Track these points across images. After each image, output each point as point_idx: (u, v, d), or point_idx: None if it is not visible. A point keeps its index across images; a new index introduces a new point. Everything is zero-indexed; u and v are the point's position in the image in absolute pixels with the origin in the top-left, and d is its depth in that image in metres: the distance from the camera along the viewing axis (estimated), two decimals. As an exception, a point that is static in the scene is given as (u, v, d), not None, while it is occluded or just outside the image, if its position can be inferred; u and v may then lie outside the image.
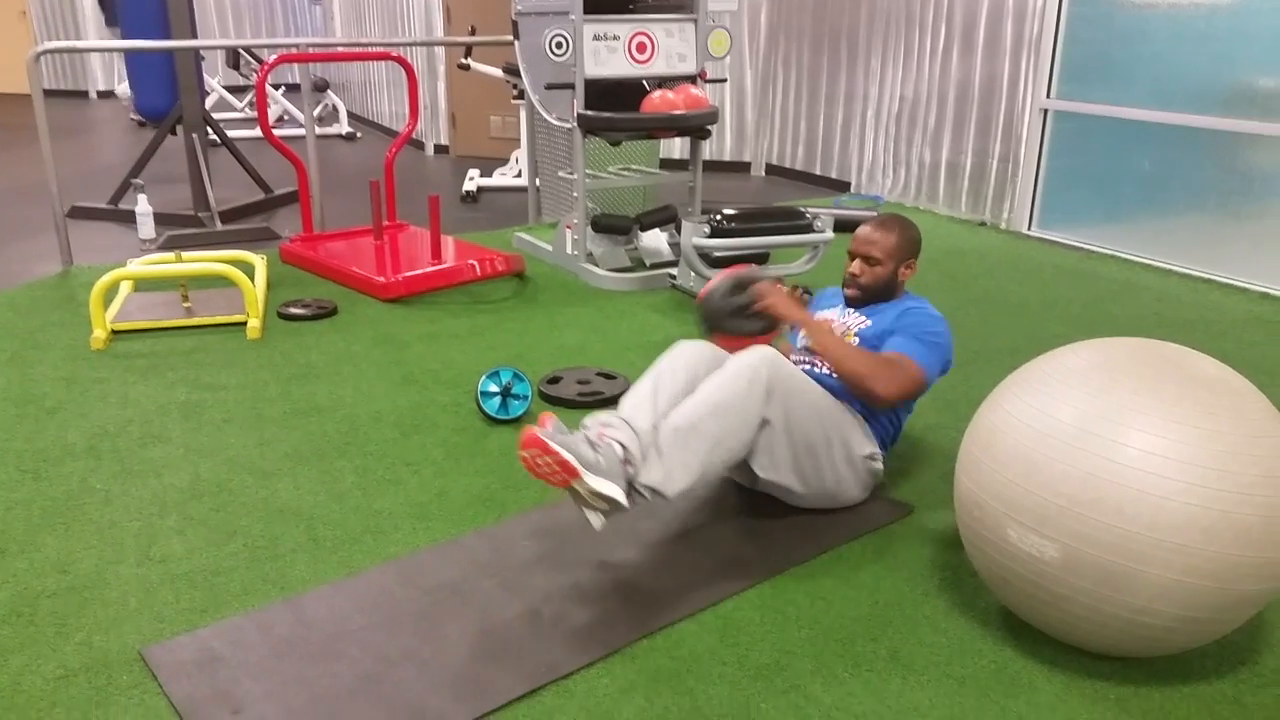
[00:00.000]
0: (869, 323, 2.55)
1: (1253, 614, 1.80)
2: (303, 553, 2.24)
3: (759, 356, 2.23)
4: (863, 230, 2.60)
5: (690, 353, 2.33)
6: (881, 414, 2.50)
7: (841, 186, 6.83)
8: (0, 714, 1.73)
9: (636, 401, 2.20)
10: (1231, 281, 4.67)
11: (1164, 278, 4.78)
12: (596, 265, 4.51)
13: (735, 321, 2.48)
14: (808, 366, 2.53)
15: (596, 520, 2.01)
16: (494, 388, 2.93)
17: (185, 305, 3.84)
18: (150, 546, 2.25)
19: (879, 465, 2.47)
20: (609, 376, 3.25)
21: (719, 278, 2.55)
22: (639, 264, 4.68)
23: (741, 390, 2.17)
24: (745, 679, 1.85)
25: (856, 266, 2.57)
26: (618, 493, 1.97)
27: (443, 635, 1.95)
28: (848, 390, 2.41)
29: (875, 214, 5.52)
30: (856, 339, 2.52)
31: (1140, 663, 1.92)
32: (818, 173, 7.06)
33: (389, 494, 2.51)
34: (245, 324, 3.70)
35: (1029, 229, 5.65)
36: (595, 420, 2.12)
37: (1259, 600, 1.76)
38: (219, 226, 5.21)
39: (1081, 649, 1.93)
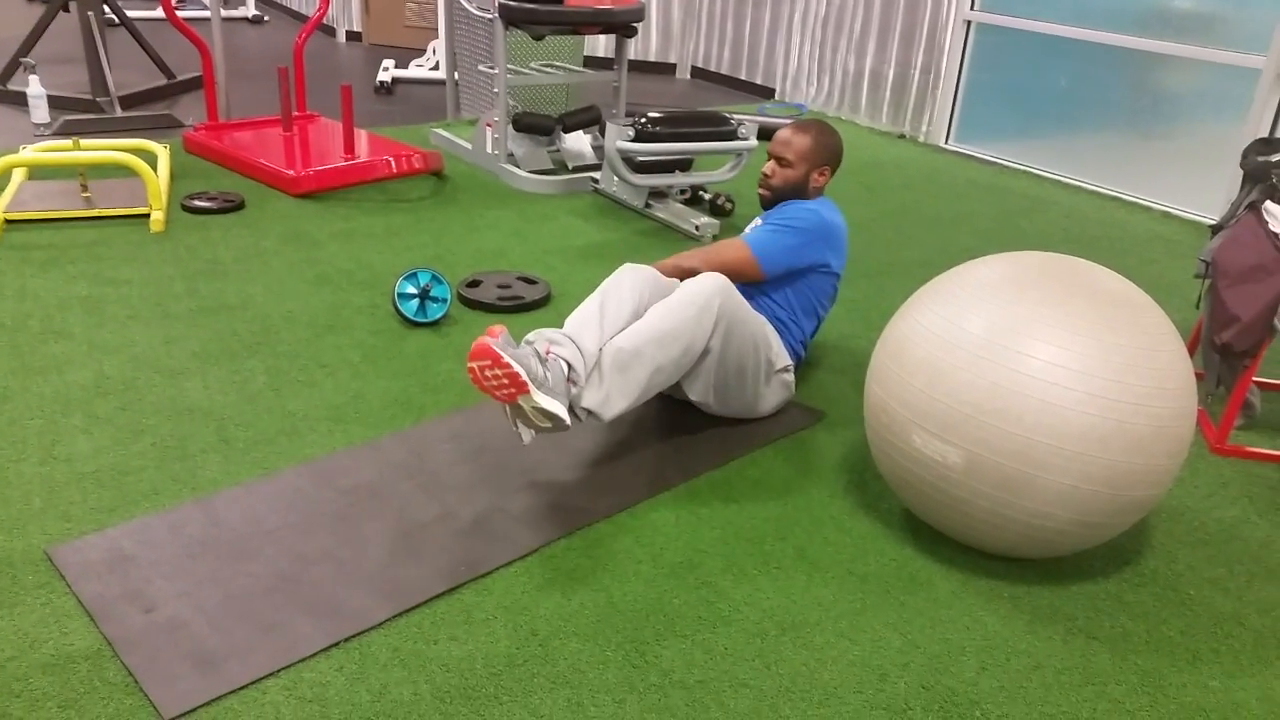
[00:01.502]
0: (759, 221, 2.57)
1: (1139, 519, 1.91)
2: (214, 453, 2.20)
3: (713, 285, 2.21)
4: (780, 132, 2.61)
5: (635, 277, 2.32)
6: (788, 327, 2.54)
7: (766, 93, 6.78)
8: (-101, 614, 1.69)
9: (583, 320, 2.17)
10: (1137, 200, 4.82)
11: (1074, 194, 4.90)
12: (518, 166, 4.43)
13: None
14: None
15: (526, 435, 2.02)
16: (412, 289, 2.89)
17: (84, 195, 3.66)
18: (54, 445, 2.18)
19: (791, 378, 2.52)
20: (530, 281, 3.22)
21: None
22: (561, 166, 4.61)
23: (690, 319, 2.17)
24: (659, 576, 1.90)
25: (769, 167, 2.59)
26: (563, 411, 1.96)
27: (361, 536, 1.95)
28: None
29: (798, 122, 5.51)
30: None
31: (1033, 563, 2.03)
32: (743, 77, 6.99)
33: (303, 395, 2.47)
34: (148, 216, 3.55)
35: (946, 142, 5.71)
36: (541, 336, 2.10)
37: (1146, 505, 1.87)
38: (118, 113, 4.94)
39: (979, 550, 2.03)
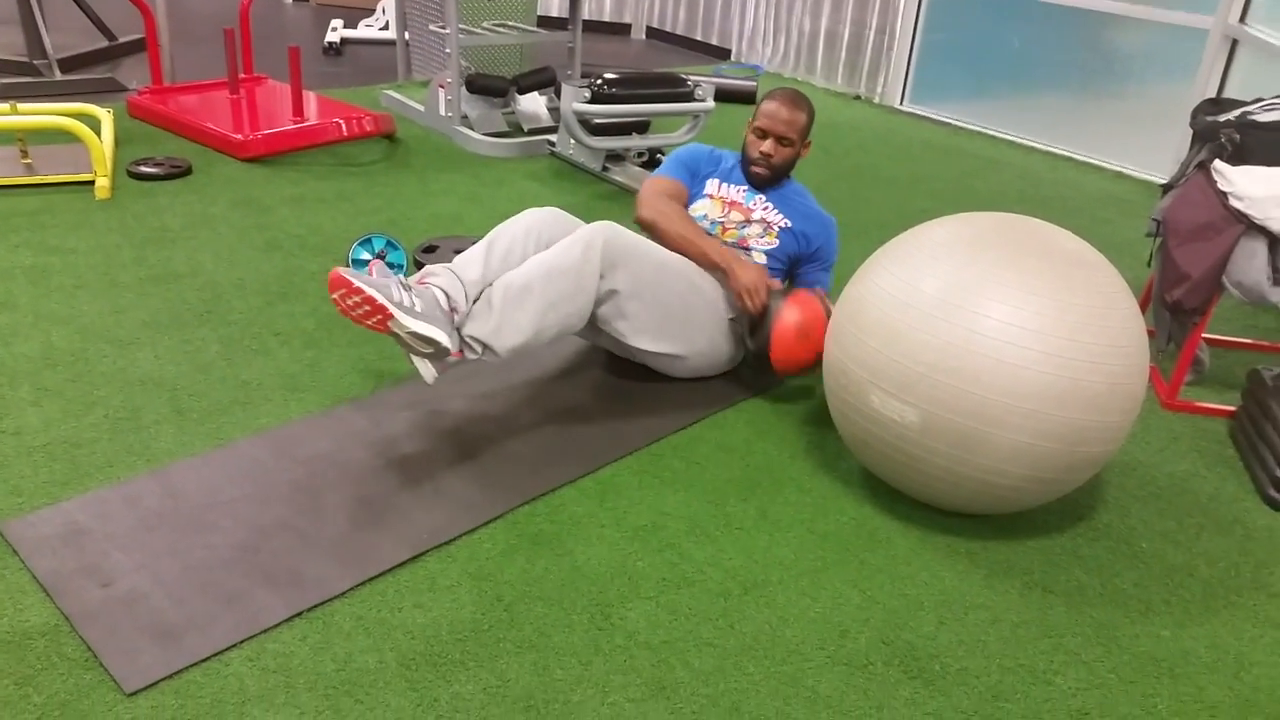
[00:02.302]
0: (786, 221, 2.56)
1: (1093, 474, 1.95)
2: (167, 424, 2.16)
3: (597, 226, 2.23)
4: (773, 108, 2.52)
5: (534, 219, 2.31)
6: None
7: (722, 54, 6.74)
8: None
9: (468, 257, 2.20)
10: (1089, 160, 4.87)
11: (1027, 155, 4.94)
12: (471, 129, 4.37)
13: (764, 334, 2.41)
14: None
15: (426, 371, 2.03)
16: (366, 255, 2.85)
17: (25, 162, 3.55)
18: (2, 419, 2.13)
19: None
20: (486, 244, 3.19)
21: (806, 355, 2.37)
22: (516, 129, 4.55)
23: (576, 257, 2.17)
24: (623, 539, 1.91)
25: (769, 146, 2.53)
26: (439, 334, 1.98)
27: (320, 505, 1.93)
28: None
29: (755, 84, 5.49)
30: (778, 240, 2.55)
31: (990, 519, 2.06)
32: (699, 38, 6.93)
33: (257, 364, 2.43)
34: (93, 183, 3.46)
35: (901, 103, 5.73)
36: (421, 271, 2.13)
37: (1099, 461, 1.91)
38: (58, 76, 4.79)
39: (936, 507, 2.06)
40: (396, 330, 1.97)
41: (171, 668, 1.54)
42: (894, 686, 1.61)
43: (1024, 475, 1.86)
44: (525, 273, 2.15)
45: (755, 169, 2.57)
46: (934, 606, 1.80)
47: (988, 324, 1.80)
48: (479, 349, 2.09)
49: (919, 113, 5.61)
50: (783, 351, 2.35)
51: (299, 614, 1.67)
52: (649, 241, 2.33)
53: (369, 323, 1.96)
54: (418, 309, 1.98)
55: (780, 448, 2.26)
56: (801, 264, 2.62)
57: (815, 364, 2.38)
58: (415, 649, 1.62)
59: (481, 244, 2.23)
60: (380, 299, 1.93)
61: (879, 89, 5.78)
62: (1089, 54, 4.86)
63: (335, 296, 1.96)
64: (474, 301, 2.12)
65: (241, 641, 1.60)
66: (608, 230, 2.22)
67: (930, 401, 1.85)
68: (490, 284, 2.15)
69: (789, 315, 2.35)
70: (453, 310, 2.05)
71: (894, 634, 1.72)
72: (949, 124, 5.42)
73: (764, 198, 2.59)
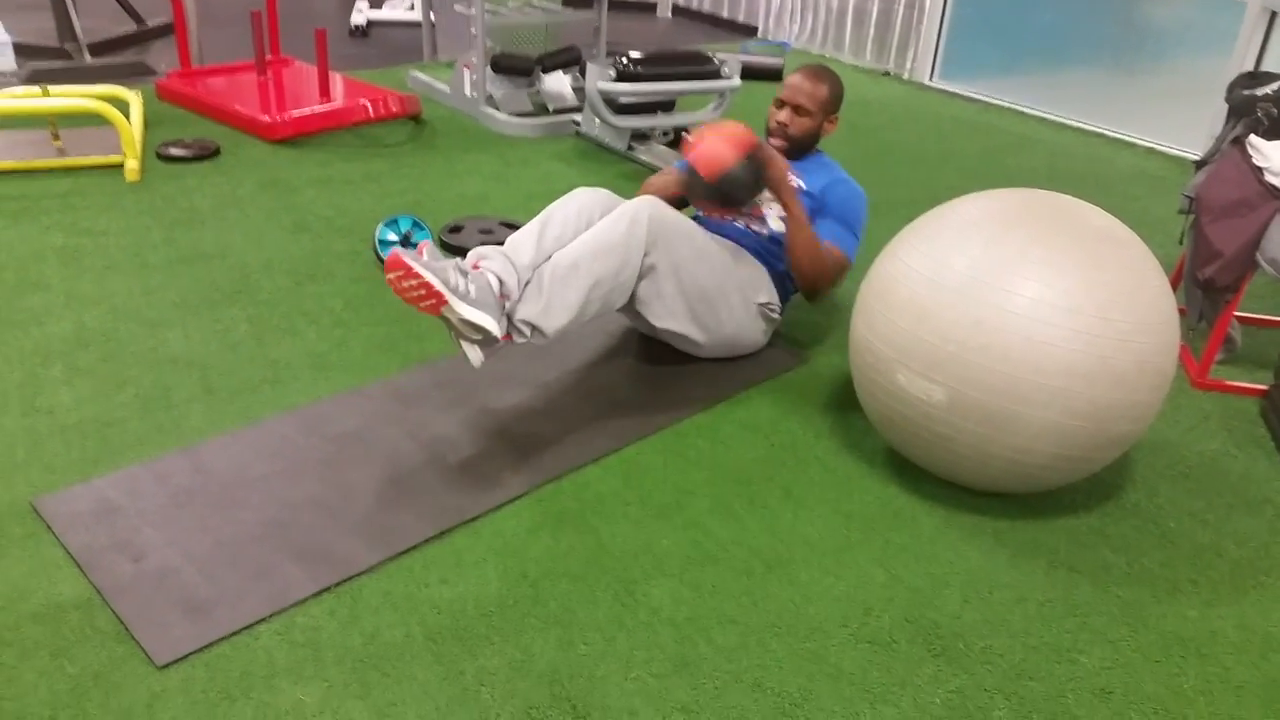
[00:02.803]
0: (802, 184, 2.54)
1: (1121, 453, 1.93)
2: (198, 403, 2.19)
3: (640, 202, 2.22)
4: (794, 79, 2.54)
5: (586, 199, 2.29)
6: (775, 272, 2.53)
7: (749, 31, 6.69)
8: (-114, 567, 1.68)
9: (520, 239, 2.17)
10: (1121, 136, 4.80)
11: (1058, 131, 4.87)
12: (497, 109, 4.37)
13: (743, 194, 2.35)
14: (732, 220, 2.53)
15: (474, 355, 2.01)
16: (392, 236, 2.86)
17: (56, 145, 3.59)
18: (36, 397, 2.17)
19: (776, 315, 2.52)
20: (513, 226, 3.19)
21: (723, 146, 2.29)
22: (541, 108, 4.55)
23: (622, 232, 2.16)
24: (647, 518, 1.92)
25: (785, 115, 2.53)
26: (489, 322, 1.96)
27: (348, 482, 1.95)
28: (793, 270, 2.47)
29: (782, 61, 5.45)
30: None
31: (1016, 499, 2.05)
32: (725, 15, 6.88)
33: (286, 344, 2.45)
34: (122, 165, 3.49)
35: (930, 80, 5.66)
36: (475, 253, 2.10)
37: (1127, 440, 1.89)
38: (88, 60, 4.83)
39: (962, 486, 2.05)
40: (449, 315, 1.95)
41: (201, 641, 1.56)
42: (917, 664, 1.61)
43: (1052, 454, 1.85)
44: (572, 251, 2.13)
45: (773, 139, 2.57)
46: (959, 585, 1.79)
47: (1017, 301, 1.79)
48: (528, 332, 2.07)
49: (948, 89, 5.55)
50: (699, 157, 2.31)
51: (327, 589, 1.69)
52: (690, 222, 2.32)
53: (422, 305, 1.93)
54: (472, 295, 1.95)
55: (805, 427, 2.25)
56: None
57: (730, 146, 2.30)
58: (441, 624, 1.63)
59: (534, 225, 2.20)
60: (438, 284, 1.90)
61: (908, 65, 5.71)
62: (1121, 28, 4.78)
63: (392, 277, 1.93)
64: (525, 285, 2.09)
65: (270, 616, 1.62)
66: (652, 206, 2.22)
67: (958, 380, 1.83)
68: (541, 264, 2.13)
69: (699, 136, 2.35)
70: (504, 297, 2.03)
71: (918, 612, 1.72)
72: (979, 100, 5.36)
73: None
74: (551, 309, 2.07)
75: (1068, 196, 1.97)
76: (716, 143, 2.30)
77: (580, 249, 2.14)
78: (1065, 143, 4.68)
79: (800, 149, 2.58)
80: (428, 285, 1.90)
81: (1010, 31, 5.26)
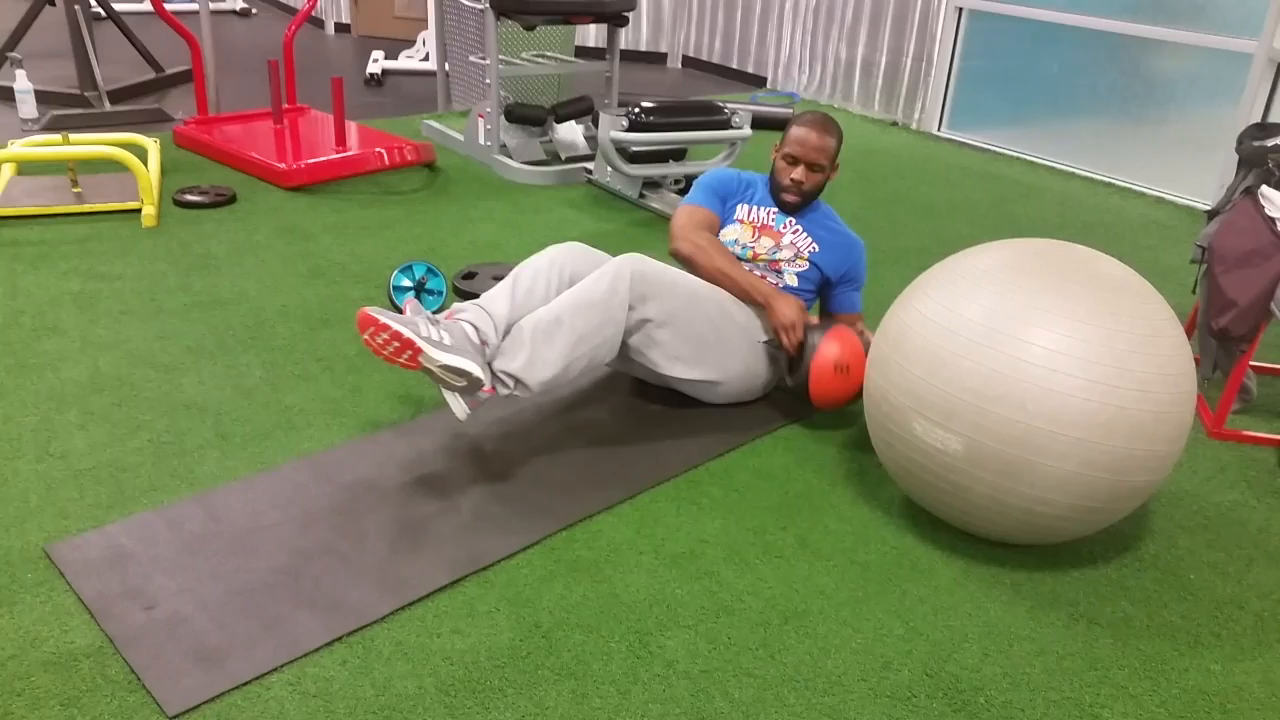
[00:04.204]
0: (816, 245, 2.56)
1: (1139, 504, 1.91)
2: (211, 448, 2.19)
3: (624, 259, 2.23)
4: (804, 134, 2.52)
5: (558, 253, 2.33)
6: None
7: (758, 81, 6.77)
8: (-103, 614, 1.67)
9: (494, 293, 2.22)
10: (1130, 186, 4.83)
11: (1066, 180, 4.90)
12: (510, 157, 4.41)
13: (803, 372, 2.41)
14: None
15: (458, 407, 2.04)
16: (407, 282, 2.87)
17: (75, 190, 3.63)
18: (50, 442, 2.17)
19: (778, 352, 2.52)
20: (524, 271, 3.21)
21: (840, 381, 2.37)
22: (554, 157, 4.59)
23: (604, 290, 2.18)
24: (661, 567, 1.90)
25: (801, 173, 2.53)
26: (470, 365, 1.99)
27: (361, 530, 1.94)
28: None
29: (791, 110, 5.50)
30: (809, 264, 2.55)
31: (1034, 550, 2.03)
32: (734, 66, 6.97)
33: (300, 390, 2.46)
34: (140, 211, 3.53)
35: (939, 129, 5.71)
36: (454, 308, 2.16)
37: (1146, 491, 1.87)
38: (107, 107, 4.90)
39: (979, 537, 2.03)
40: (428, 365, 1.98)
41: (213, 691, 1.54)
42: (938, 719, 1.59)
43: (1069, 505, 1.83)
44: (555, 307, 2.16)
45: (786, 196, 2.57)
46: (978, 638, 1.77)
47: (1033, 351, 1.78)
48: (511, 384, 2.09)
49: (957, 139, 5.59)
50: (822, 387, 2.35)
51: (339, 638, 1.67)
52: (677, 270, 2.33)
53: (400, 360, 1.98)
54: (446, 341, 1.99)
55: (820, 475, 2.24)
56: (833, 287, 2.61)
57: (855, 398, 2.38)
58: (454, 675, 1.61)
59: (506, 280, 2.26)
60: (408, 334, 1.94)
61: (916, 115, 5.77)
62: (1128, 79, 4.83)
63: (365, 335, 1.98)
64: (503, 337, 2.13)
65: (282, 665, 1.61)
66: (635, 262, 2.23)
67: (974, 429, 1.83)
68: (518, 319, 2.17)
69: (828, 350, 2.35)
70: (483, 343, 2.06)
71: (938, 666, 1.70)
72: (987, 150, 5.40)
73: (794, 221, 2.59)
74: (535, 362, 2.09)
75: (1081, 246, 1.98)
76: (843, 381, 2.37)
77: (563, 304, 2.16)
78: (1074, 192, 4.70)
79: (810, 201, 2.60)
80: (399, 335, 1.95)
81: (1018, 82, 5.32)
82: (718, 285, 2.43)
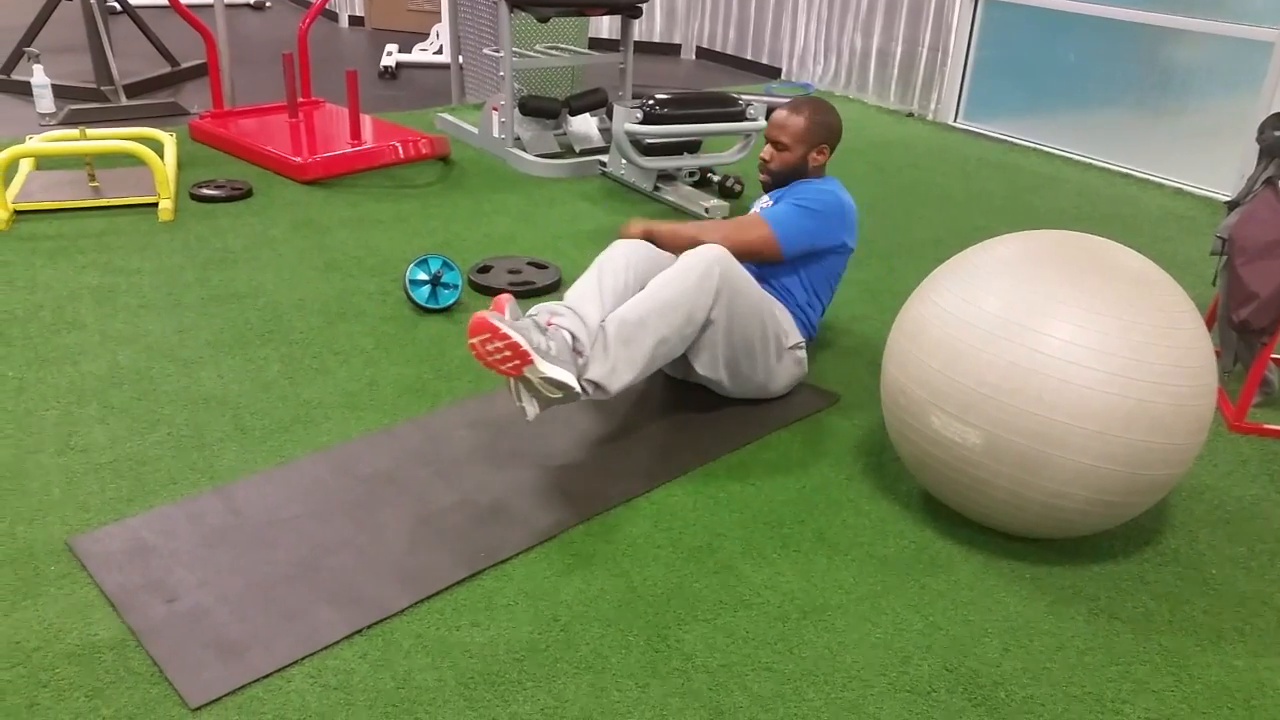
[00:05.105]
0: (770, 203, 2.57)
1: (1159, 498, 1.90)
2: (230, 442, 2.20)
3: (713, 255, 2.20)
4: (775, 114, 2.58)
5: (628, 250, 2.33)
6: (802, 308, 2.54)
7: (772, 73, 6.74)
8: (-78, 606, 1.69)
9: (583, 292, 2.18)
10: (1148, 176, 4.79)
11: (1084, 171, 4.86)
12: (524, 150, 4.41)
13: None
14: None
15: (531, 410, 2.00)
16: (423, 276, 2.88)
17: (92, 185, 3.65)
18: (70, 435, 2.18)
19: (804, 355, 2.51)
20: (540, 266, 3.21)
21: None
22: (568, 150, 4.59)
23: (691, 288, 2.16)
24: (679, 560, 1.90)
25: (766, 151, 2.57)
26: (572, 379, 1.95)
27: (379, 523, 1.95)
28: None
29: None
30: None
31: (1054, 544, 2.02)
32: (749, 57, 6.94)
33: (317, 383, 2.47)
34: (156, 205, 3.54)
35: (955, 120, 5.68)
36: (543, 309, 2.11)
37: (1166, 484, 1.86)
38: (123, 101, 4.92)
39: (999, 531, 2.02)
40: (530, 375, 1.93)
41: (235, 683, 1.55)
42: (958, 715, 1.58)
43: (1089, 498, 1.82)
44: (639, 308, 2.12)
45: (760, 176, 2.62)
46: (998, 633, 1.76)
47: (1052, 344, 1.77)
48: (592, 390, 2.06)
49: (973, 129, 5.56)
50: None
51: (359, 631, 1.68)
52: (748, 274, 2.31)
53: (504, 367, 1.91)
54: (553, 352, 1.95)
55: (837, 469, 2.23)
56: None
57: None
58: (473, 668, 1.62)
59: (591, 279, 2.22)
60: (525, 345, 1.88)
61: (932, 106, 5.73)
62: (1146, 69, 4.79)
63: (475, 341, 1.90)
64: (594, 342, 2.08)
65: (303, 658, 1.62)
66: (723, 259, 2.20)
67: (993, 423, 1.82)
68: (605, 321, 2.12)
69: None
70: (577, 353, 2.04)
71: (957, 660, 1.69)
72: (1004, 140, 5.36)
73: (767, 196, 2.62)
74: (618, 369, 2.07)
75: (1099, 237, 1.96)
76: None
77: (648, 304, 2.13)
78: (1092, 183, 4.67)
79: (785, 181, 2.59)
80: (515, 346, 1.88)
81: (1034, 72, 5.28)
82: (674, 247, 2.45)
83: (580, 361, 2.04)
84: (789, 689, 1.61)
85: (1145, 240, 3.89)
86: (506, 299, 1.97)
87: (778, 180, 2.58)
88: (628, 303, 2.15)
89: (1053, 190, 4.51)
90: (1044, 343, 1.78)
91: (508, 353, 1.89)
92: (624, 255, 2.29)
